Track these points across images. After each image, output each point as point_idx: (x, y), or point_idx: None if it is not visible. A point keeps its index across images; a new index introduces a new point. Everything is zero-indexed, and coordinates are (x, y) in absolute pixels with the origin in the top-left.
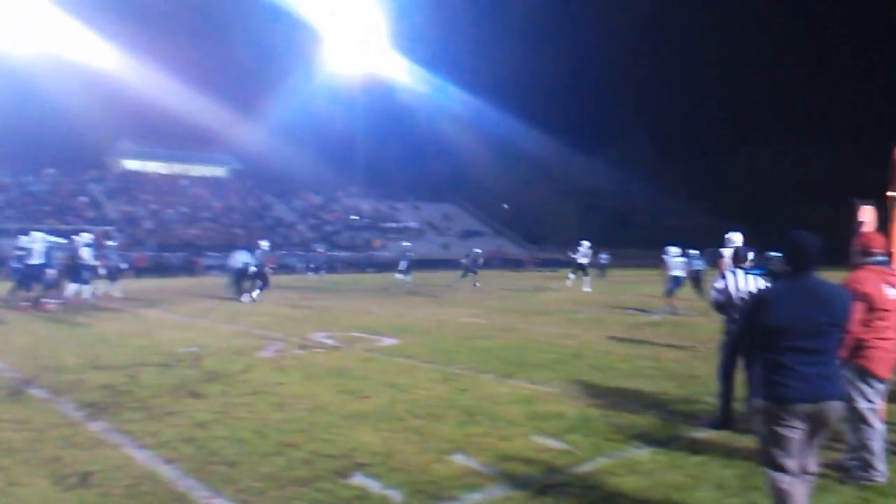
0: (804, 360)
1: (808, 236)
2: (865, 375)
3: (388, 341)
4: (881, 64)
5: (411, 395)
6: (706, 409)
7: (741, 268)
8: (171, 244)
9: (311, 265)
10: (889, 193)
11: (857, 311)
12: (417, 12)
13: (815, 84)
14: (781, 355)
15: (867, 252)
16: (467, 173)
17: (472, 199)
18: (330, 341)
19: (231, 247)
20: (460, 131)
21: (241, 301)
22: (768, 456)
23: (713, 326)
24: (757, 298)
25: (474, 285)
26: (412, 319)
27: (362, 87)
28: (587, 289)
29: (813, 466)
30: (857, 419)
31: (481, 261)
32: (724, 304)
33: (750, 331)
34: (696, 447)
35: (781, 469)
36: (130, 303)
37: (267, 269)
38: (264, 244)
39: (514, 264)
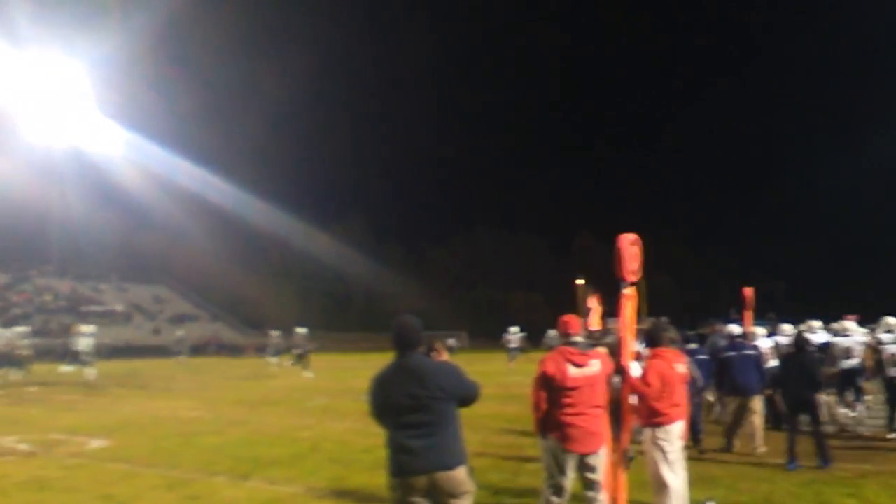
0: (413, 434)
1: (409, 320)
2: (561, 451)
3: (97, 443)
4: (578, 165)
5: None
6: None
7: None
8: None
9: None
10: (578, 281)
11: (540, 388)
12: (132, 81)
13: (518, 180)
14: (394, 431)
15: (564, 334)
16: (181, 253)
17: (185, 281)
18: (23, 446)
19: None
20: (174, 208)
21: None
22: None
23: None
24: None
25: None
26: (123, 416)
27: (62, 156)
28: (309, 374)
29: None
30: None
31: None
32: None
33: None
34: None
35: None
36: None
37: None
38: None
39: (232, 350)
